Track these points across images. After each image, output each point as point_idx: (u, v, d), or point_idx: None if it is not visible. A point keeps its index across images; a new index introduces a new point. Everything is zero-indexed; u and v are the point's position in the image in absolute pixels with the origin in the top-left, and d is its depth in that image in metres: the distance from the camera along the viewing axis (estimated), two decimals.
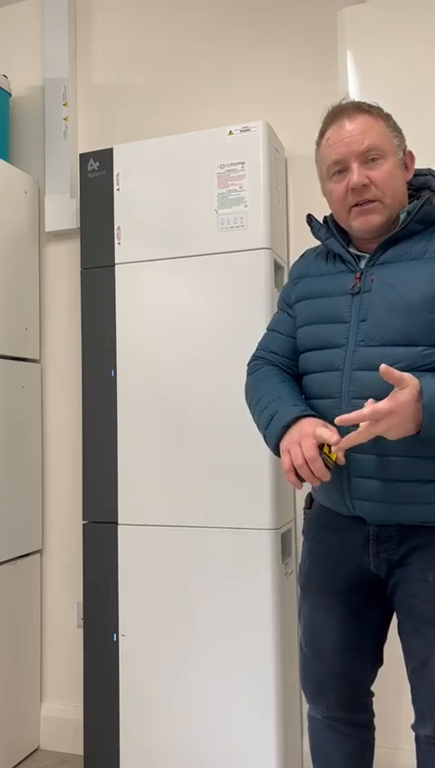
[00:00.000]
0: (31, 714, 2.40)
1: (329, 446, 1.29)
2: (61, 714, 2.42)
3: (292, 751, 2.02)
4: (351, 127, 1.36)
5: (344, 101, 1.44)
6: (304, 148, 2.19)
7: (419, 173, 1.46)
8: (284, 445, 1.35)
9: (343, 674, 1.49)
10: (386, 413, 1.21)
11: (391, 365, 1.23)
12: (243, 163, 2.00)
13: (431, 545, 1.36)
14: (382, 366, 1.20)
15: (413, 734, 1.45)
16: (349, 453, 1.33)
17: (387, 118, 1.41)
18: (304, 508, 1.59)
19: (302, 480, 1.32)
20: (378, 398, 1.24)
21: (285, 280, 2.17)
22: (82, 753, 2.16)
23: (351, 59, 2.00)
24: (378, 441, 1.28)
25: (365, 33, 1.99)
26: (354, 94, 1.98)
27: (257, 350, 1.63)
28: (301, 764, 2.12)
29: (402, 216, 1.38)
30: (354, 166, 1.35)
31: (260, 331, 1.93)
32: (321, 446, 1.29)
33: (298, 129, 2.20)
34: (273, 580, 1.93)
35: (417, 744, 1.45)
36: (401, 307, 1.32)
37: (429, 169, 1.47)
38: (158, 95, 2.42)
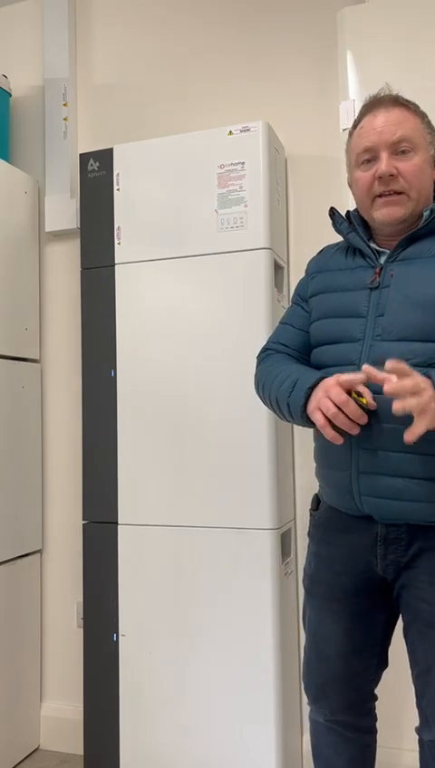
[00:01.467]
0: (31, 714, 2.40)
1: (357, 393, 1.28)
2: (61, 714, 2.42)
3: (292, 751, 2.02)
4: (385, 117, 1.36)
5: (384, 93, 1.43)
6: (304, 149, 2.21)
7: None
8: (311, 406, 1.33)
9: (347, 677, 1.47)
10: (426, 386, 1.18)
11: (407, 360, 1.24)
12: (243, 163, 2.00)
13: None
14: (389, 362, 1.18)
15: (417, 736, 1.45)
16: (360, 450, 1.33)
17: (423, 115, 1.40)
18: (311, 510, 1.57)
19: (341, 433, 1.29)
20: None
21: (285, 280, 2.17)
22: (82, 753, 2.16)
23: (351, 59, 2.00)
24: (388, 437, 1.29)
25: (365, 33, 1.99)
26: (354, 94, 1.98)
27: (268, 342, 1.62)
28: (301, 764, 2.12)
29: (426, 214, 1.37)
30: (384, 155, 1.35)
31: (260, 331, 1.94)
32: (349, 394, 1.28)
33: (298, 129, 2.20)
34: (273, 580, 1.93)
35: (420, 748, 1.45)
36: (418, 303, 1.32)
37: None
38: (158, 95, 2.42)
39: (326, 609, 1.48)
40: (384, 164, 1.34)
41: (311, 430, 1.45)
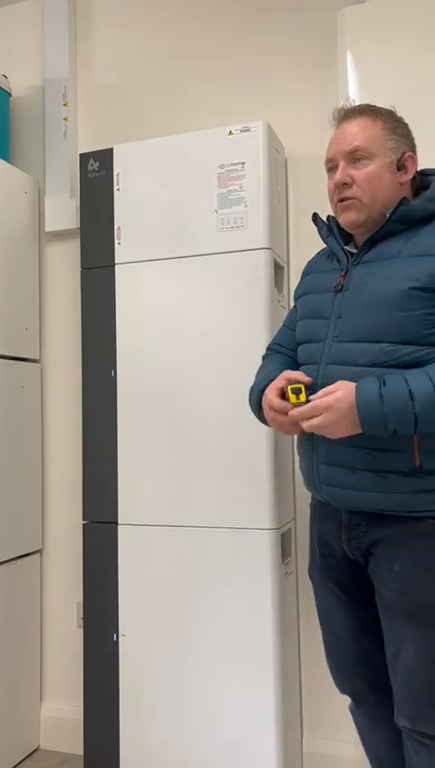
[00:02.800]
0: (31, 714, 2.40)
1: (303, 390, 1.40)
2: (61, 714, 2.42)
3: (292, 751, 2.02)
4: (346, 128, 1.47)
5: (350, 104, 1.53)
6: (304, 148, 2.21)
7: (429, 172, 1.51)
8: (263, 405, 1.51)
9: (361, 656, 1.53)
10: (324, 407, 1.34)
11: (355, 360, 1.39)
12: (243, 163, 2.00)
13: (395, 536, 1.40)
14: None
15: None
16: (318, 441, 1.45)
17: (387, 120, 1.46)
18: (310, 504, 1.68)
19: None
20: None
21: (286, 280, 2.18)
22: (82, 753, 2.16)
23: (351, 59, 2.00)
24: None
25: (365, 33, 1.99)
26: (354, 94, 1.98)
27: (271, 342, 1.76)
28: (301, 764, 2.12)
29: (387, 215, 1.43)
30: (341, 165, 1.46)
31: (260, 331, 1.95)
32: (298, 392, 1.40)
33: (298, 129, 2.20)
34: (273, 580, 1.93)
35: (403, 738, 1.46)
36: (369, 304, 1.40)
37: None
38: (158, 95, 2.42)
39: (327, 591, 1.58)
40: (339, 173, 1.45)
41: None
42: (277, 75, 2.27)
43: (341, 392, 1.33)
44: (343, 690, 1.60)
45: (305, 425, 1.37)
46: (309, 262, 1.69)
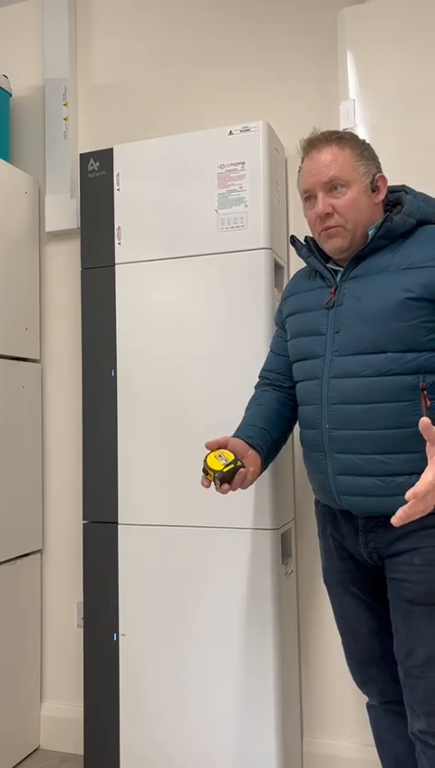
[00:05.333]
0: (31, 714, 2.40)
1: (233, 462, 1.48)
2: (61, 714, 2.42)
3: (292, 751, 2.02)
4: (319, 158, 1.50)
5: (317, 133, 1.56)
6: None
7: (393, 189, 1.56)
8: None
9: (383, 655, 1.55)
10: (426, 490, 1.19)
11: (360, 372, 1.43)
12: (243, 163, 2.00)
13: (414, 532, 1.42)
14: (423, 420, 1.18)
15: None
16: (331, 452, 1.48)
17: (355, 146, 1.51)
18: (314, 510, 1.70)
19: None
20: (352, 403, 1.44)
21: (285, 280, 2.17)
22: (82, 753, 2.16)
23: (351, 59, 2.00)
24: (355, 441, 1.44)
25: (365, 33, 1.99)
26: (354, 94, 1.98)
27: (261, 369, 1.80)
28: (301, 764, 2.12)
29: (371, 233, 1.49)
30: (320, 195, 1.50)
31: (260, 331, 1.95)
32: (230, 462, 1.47)
33: (298, 129, 2.18)
34: (273, 580, 1.93)
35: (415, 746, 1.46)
36: (368, 318, 1.45)
37: (402, 186, 1.57)
38: (158, 95, 2.42)
39: (346, 593, 1.60)
40: (320, 204, 1.49)
41: None
42: (277, 75, 2.27)
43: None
44: (368, 690, 1.62)
45: (416, 507, 1.21)
46: (288, 285, 1.75)
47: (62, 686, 2.44)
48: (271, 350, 1.80)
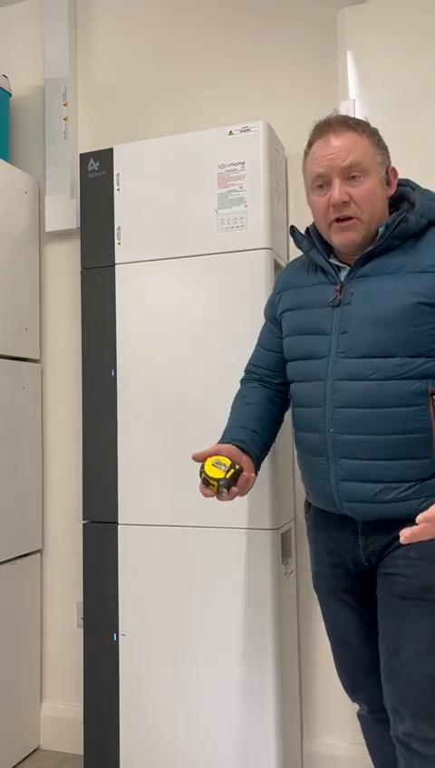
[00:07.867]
0: (31, 714, 2.40)
1: (231, 466, 1.43)
2: (61, 714, 2.42)
3: (292, 751, 2.02)
4: (336, 143, 1.39)
5: (333, 116, 1.47)
6: (305, 148, 2.20)
7: (401, 183, 1.49)
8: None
9: (373, 663, 1.50)
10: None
11: (368, 375, 1.37)
12: (243, 163, 2.00)
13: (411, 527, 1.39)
14: (420, 517, 1.14)
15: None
16: (335, 458, 1.43)
17: (373, 134, 1.43)
18: (305, 513, 1.65)
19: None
20: (358, 407, 1.39)
21: None
22: (82, 753, 2.16)
23: (351, 59, 2.00)
24: (360, 446, 1.40)
25: (365, 33, 1.99)
26: (354, 94, 1.98)
27: (247, 364, 1.74)
28: (300, 765, 2.12)
29: (381, 231, 1.41)
30: (336, 182, 1.39)
31: (259, 332, 1.94)
32: (229, 467, 1.42)
33: (298, 129, 2.18)
34: (273, 580, 1.93)
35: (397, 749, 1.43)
36: (378, 320, 1.39)
37: (406, 180, 1.50)
38: (158, 95, 2.42)
39: (335, 599, 1.56)
40: (337, 191, 1.38)
41: None
42: (277, 75, 2.27)
43: None
44: (357, 698, 1.59)
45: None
46: (283, 276, 1.65)
47: (62, 686, 2.44)
48: (259, 345, 1.71)
